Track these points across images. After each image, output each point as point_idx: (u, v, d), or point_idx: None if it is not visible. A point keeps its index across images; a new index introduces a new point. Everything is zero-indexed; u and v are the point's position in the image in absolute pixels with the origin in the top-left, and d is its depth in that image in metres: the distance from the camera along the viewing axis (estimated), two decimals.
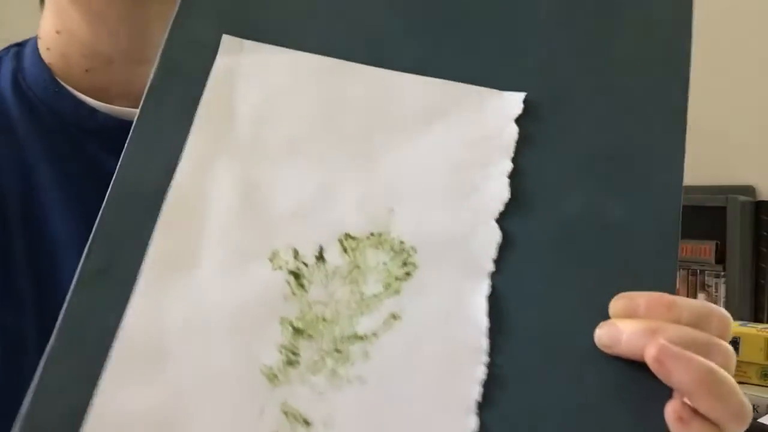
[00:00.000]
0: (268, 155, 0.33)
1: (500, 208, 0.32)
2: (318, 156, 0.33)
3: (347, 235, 0.32)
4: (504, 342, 0.30)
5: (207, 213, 0.32)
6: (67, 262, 0.43)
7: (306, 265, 0.31)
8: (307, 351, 0.30)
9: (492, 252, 0.31)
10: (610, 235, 0.31)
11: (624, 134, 0.33)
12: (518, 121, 0.33)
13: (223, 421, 0.29)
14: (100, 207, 0.32)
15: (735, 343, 0.92)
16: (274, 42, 0.35)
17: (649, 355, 0.28)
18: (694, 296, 1.61)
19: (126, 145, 0.33)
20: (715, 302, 1.52)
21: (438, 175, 0.33)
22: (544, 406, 0.29)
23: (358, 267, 0.31)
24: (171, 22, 0.35)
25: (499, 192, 0.32)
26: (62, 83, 0.48)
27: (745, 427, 0.28)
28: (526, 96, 0.33)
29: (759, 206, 1.60)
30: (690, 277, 1.65)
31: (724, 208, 1.56)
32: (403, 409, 0.29)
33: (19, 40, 0.51)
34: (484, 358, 0.30)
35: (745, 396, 0.28)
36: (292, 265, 0.31)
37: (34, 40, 0.51)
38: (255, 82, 0.34)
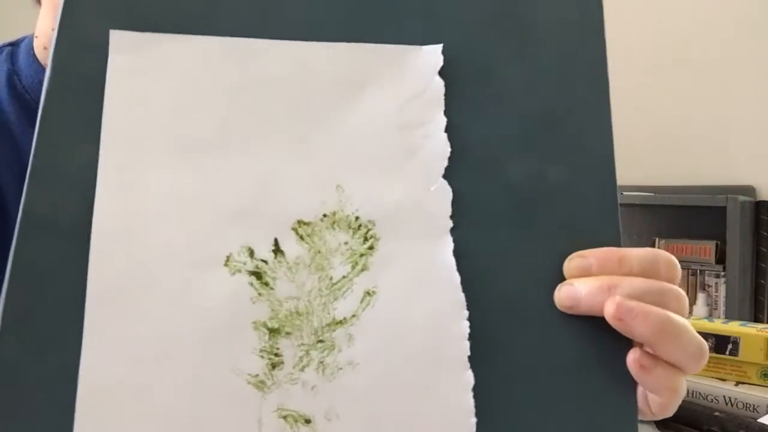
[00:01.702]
0: (194, 154, 0.31)
1: (445, 164, 0.32)
2: (248, 145, 0.31)
3: (300, 222, 0.30)
4: (473, 297, 0.30)
5: (143, 231, 0.29)
6: None
7: (265, 262, 0.30)
8: (289, 349, 0.29)
9: (448, 209, 0.31)
10: (551, 194, 0.32)
11: (550, 96, 0.33)
12: (441, 75, 0.33)
13: None
14: None
15: (735, 343, 0.91)
16: (170, 30, 0.32)
17: (609, 314, 0.28)
18: (694, 296, 1.59)
19: (29, 167, 0.29)
20: (715, 302, 1.53)
21: (377, 141, 0.32)
22: (519, 363, 0.29)
23: (319, 252, 0.30)
24: (58, 20, 0.31)
25: (441, 148, 0.32)
26: None
27: (704, 363, 0.30)
28: (444, 52, 0.33)
29: (759, 206, 1.58)
30: (690, 277, 1.60)
31: (724, 208, 1.52)
32: (401, 380, 0.29)
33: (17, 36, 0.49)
34: (465, 313, 0.30)
35: (699, 335, 0.29)
36: (251, 265, 0.29)
37: (28, 39, 0.48)
38: (159, 77, 0.31)
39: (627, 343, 0.30)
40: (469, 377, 0.29)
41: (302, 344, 0.29)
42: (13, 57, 0.48)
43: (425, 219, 0.31)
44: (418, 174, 0.31)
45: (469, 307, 0.30)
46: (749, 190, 1.63)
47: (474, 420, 0.28)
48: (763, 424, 0.73)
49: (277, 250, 0.30)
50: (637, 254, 0.30)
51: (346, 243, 0.30)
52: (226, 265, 0.29)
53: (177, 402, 0.27)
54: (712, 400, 0.88)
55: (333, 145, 0.31)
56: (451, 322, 0.30)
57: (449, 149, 0.32)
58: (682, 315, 0.29)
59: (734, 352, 0.91)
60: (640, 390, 0.30)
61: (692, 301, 1.59)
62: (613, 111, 0.33)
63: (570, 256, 0.30)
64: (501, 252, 0.31)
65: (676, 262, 0.31)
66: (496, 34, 0.34)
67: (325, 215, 0.30)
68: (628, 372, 0.29)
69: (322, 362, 0.29)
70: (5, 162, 0.45)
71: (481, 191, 0.31)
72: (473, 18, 0.34)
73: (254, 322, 0.29)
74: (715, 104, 1.67)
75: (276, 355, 0.29)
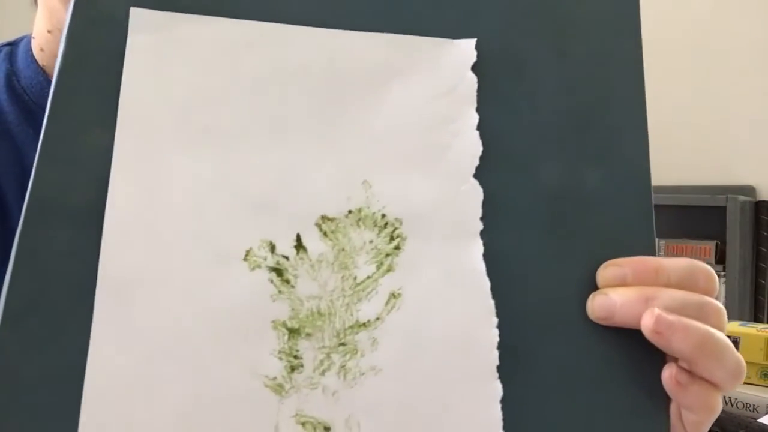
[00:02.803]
0: (214, 143, 0.29)
1: (476, 163, 0.30)
2: (270, 135, 0.29)
3: (324, 218, 0.29)
4: (502, 304, 0.29)
5: (158, 220, 0.28)
6: None
7: (286, 258, 0.28)
8: (309, 351, 0.27)
9: (478, 211, 0.30)
10: (584, 198, 0.30)
11: (585, 96, 0.32)
12: (473, 70, 0.31)
13: None
14: None
15: (735, 343, 0.90)
16: (192, 10, 0.30)
17: (647, 327, 0.27)
18: None
19: (39, 149, 0.27)
20: None
21: (405, 137, 0.30)
22: (548, 375, 0.28)
23: (343, 250, 0.28)
24: None
25: (472, 147, 0.30)
26: None
27: (741, 382, 0.28)
28: (478, 46, 0.31)
29: (759, 206, 1.57)
30: None
31: (724, 208, 1.52)
32: (426, 389, 0.27)
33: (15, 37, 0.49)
34: (495, 320, 0.28)
35: (737, 352, 0.28)
36: (271, 260, 0.28)
37: (27, 39, 0.48)
38: (181, 61, 0.29)
39: (661, 357, 0.29)
40: (497, 388, 0.27)
41: (323, 347, 0.27)
42: (11, 57, 0.48)
43: (454, 220, 0.29)
44: (447, 173, 0.30)
45: (498, 315, 0.28)
46: (749, 190, 1.62)
47: None
48: (763, 424, 0.72)
49: (300, 246, 0.28)
50: (674, 265, 0.29)
51: (371, 242, 0.29)
52: (245, 259, 0.28)
53: (189, 403, 0.26)
54: None
55: (360, 140, 0.30)
56: (479, 330, 0.28)
57: (481, 148, 0.30)
58: (722, 330, 0.28)
59: None
60: (673, 407, 0.28)
61: None
62: None
63: (604, 265, 0.29)
64: (532, 257, 0.30)
65: (715, 274, 0.30)
66: (532, 30, 0.32)
67: (350, 212, 0.29)
68: (661, 387, 0.28)
69: (343, 366, 0.27)
70: (5, 163, 0.44)
71: (512, 193, 0.30)
72: (509, 13, 0.32)
73: (273, 322, 0.27)
74: (715, 104, 1.67)
75: (295, 357, 0.27)
